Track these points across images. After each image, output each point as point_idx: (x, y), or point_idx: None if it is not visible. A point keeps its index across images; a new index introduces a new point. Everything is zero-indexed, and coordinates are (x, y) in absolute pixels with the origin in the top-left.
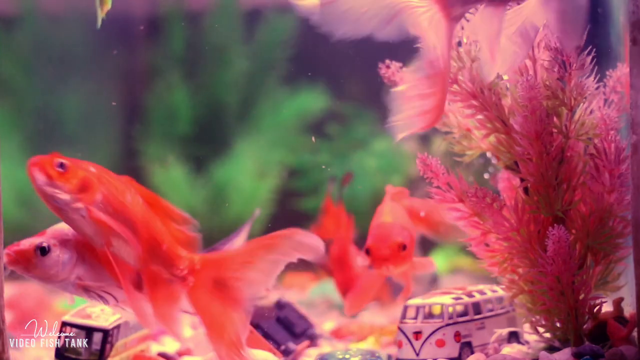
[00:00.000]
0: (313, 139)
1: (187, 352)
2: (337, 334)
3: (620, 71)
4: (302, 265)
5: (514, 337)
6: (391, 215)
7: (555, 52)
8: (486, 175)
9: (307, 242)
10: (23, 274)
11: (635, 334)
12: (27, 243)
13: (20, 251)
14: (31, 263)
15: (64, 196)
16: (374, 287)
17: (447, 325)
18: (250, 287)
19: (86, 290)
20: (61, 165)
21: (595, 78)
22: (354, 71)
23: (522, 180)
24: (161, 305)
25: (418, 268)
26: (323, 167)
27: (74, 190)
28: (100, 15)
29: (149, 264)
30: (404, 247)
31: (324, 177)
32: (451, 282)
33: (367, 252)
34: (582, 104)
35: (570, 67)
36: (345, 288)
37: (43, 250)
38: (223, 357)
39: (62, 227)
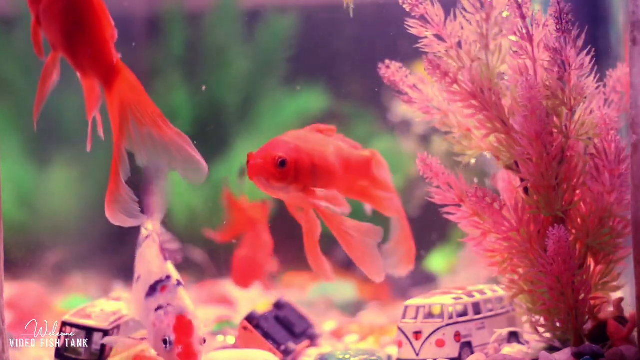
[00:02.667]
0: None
1: None
2: (337, 334)
3: (620, 71)
4: (302, 266)
5: (514, 337)
6: (294, 137)
7: (555, 52)
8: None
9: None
10: None
11: (635, 334)
12: (197, 341)
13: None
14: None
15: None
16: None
17: (447, 325)
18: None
19: None
20: None
21: (595, 78)
22: (354, 71)
23: (522, 180)
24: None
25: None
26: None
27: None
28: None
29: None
30: (281, 162)
31: None
32: (451, 282)
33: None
34: (582, 104)
35: (570, 67)
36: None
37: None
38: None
39: (176, 297)
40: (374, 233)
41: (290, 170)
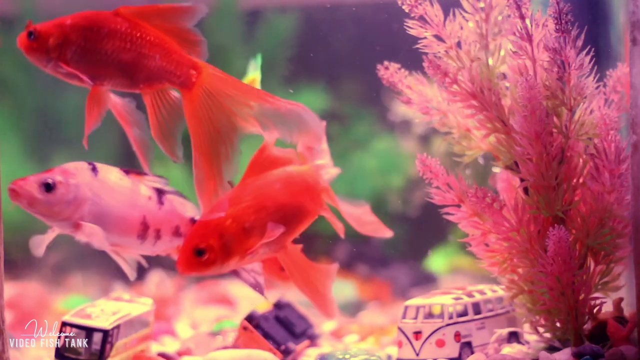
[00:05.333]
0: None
1: (187, 352)
2: (337, 334)
3: (620, 71)
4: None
5: (514, 337)
6: (228, 198)
7: (554, 52)
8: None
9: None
10: (26, 210)
11: (635, 334)
12: (33, 179)
13: (24, 185)
14: (35, 199)
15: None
16: None
17: (447, 325)
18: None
19: (83, 233)
20: (30, 34)
21: (595, 78)
22: (354, 71)
23: (522, 180)
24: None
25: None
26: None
27: (49, 49)
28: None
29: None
30: (199, 252)
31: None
32: (451, 282)
33: None
34: (582, 104)
35: (570, 67)
36: None
37: (48, 187)
38: (201, 181)
39: (71, 165)
40: (329, 273)
41: (210, 260)
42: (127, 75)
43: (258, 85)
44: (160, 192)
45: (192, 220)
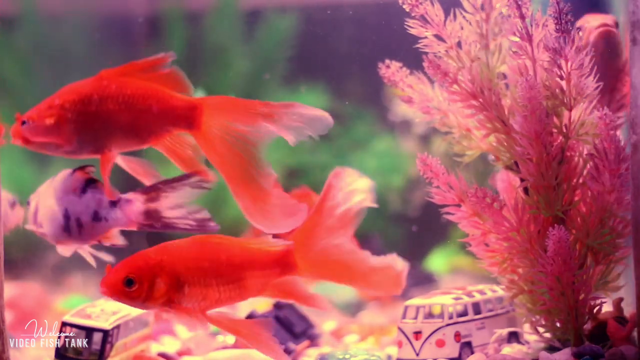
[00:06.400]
0: None
1: (187, 352)
2: (337, 334)
3: None
4: None
5: (514, 337)
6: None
7: (554, 52)
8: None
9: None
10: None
11: (635, 334)
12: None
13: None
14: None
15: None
16: None
17: (447, 325)
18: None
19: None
20: (23, 123)
21: (595, 78)
22: (354, 71)
23: (522, 180)
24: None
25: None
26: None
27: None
28: None
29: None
30: (128, 281)
31: (324, 177)
32: (451, 282)
33: None
34: (582, 104)
35: (570, 67)
36: None
37: (13, 204)
38: (249, 208)
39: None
40: (265, 326)
41: (137, 293)
42: (131, 135)
43: None
44: (89, 182)
45: (112, 203)
